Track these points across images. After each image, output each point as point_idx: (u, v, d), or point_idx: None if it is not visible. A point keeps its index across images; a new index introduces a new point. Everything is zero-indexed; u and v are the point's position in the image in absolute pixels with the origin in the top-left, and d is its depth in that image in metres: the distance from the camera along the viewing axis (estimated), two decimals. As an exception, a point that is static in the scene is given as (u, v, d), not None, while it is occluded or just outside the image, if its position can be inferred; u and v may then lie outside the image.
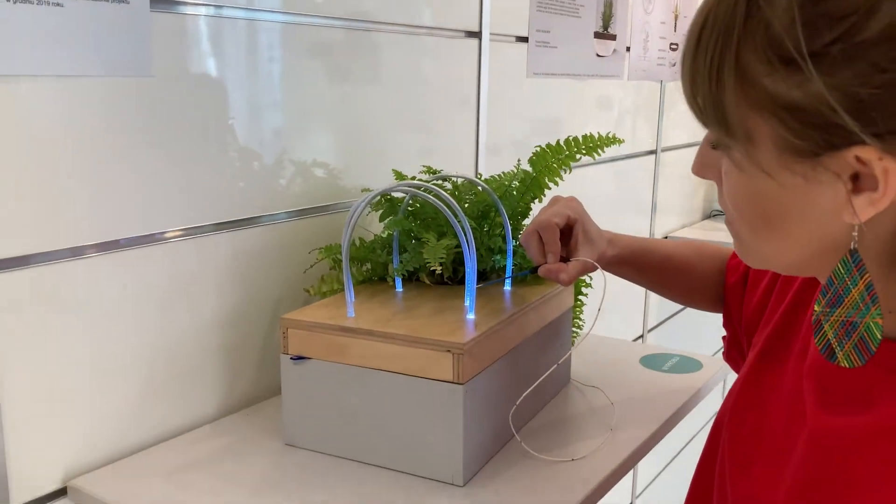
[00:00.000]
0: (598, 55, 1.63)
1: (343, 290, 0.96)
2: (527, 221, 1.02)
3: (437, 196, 0.84)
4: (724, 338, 0.95)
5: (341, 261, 0.95)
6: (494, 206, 0.96)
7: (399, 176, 1.04)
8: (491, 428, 0.83)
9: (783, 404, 0.66)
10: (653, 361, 1.13)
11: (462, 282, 0.96)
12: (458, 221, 0.82)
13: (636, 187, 1.93)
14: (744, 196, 0.55)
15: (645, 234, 2.00)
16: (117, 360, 0.84)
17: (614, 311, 1.84)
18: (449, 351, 0.76)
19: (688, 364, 1.12)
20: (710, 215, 2.44)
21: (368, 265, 0.99)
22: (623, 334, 1.98)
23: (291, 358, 0.84)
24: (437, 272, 0.89)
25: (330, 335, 0.81)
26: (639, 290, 2.03)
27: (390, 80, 1.13)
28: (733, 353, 0.91)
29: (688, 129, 2.16)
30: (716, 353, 3.01)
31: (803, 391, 0.63)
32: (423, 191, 0.85)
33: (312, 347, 0.83)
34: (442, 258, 0.85)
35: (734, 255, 0.92)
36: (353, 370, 0.81)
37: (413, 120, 1.19)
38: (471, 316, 0.83)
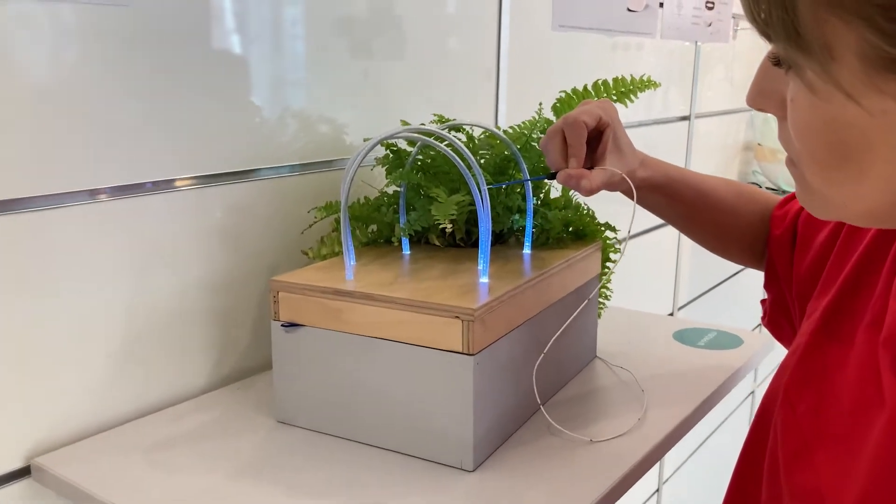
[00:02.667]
0: (629, 9, 1.52)
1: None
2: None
3: (448, 144, 0.74)
4: (763, 301, 0.84)
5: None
6: (514, 159, 0.86)
7: (405, 125, 0.94)
8: (506, 406, 0.73)
9: (851, 382, 0.56)
10: (687, 336, 1.03)
11: (476, 244, 0.87)
12: (472, 175, 0.72)
13: (667, 156, 1.81)
14: (816, 126, 0.44)
15: (676, 205, 1.89)
16: (91, 324, 0.76)
17: (641, 287, 1.73)
18: (457, 317, 0.66)
19: (726, 340, 1.01)
20: (744, 189, 2.32)
21: (374, 226, 0.90)
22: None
23: (282, 325, 0.75)
24: (447, 232, 0.79)
25: (325, 299, 0.72)
26: (668, 265, 1.92)
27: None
28: (778, 318, 0.81)
29: (725, 95, 2.04)
30: (755, 327, 2.90)
31: (879, 367, 0.53)
32: (434, 138, 0.75)
33: (306, 313, 0.73)
34: (453, 215, 0.75)
35: (781, 204, 0.81)
36: (351, 339, 0.71)
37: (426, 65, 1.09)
38: (484, 279, 0.73)
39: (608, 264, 0.94)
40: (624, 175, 0.75)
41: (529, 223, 0.84)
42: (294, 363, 0.75)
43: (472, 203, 0.80)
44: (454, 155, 0.72)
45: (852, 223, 0.53)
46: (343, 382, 0.73)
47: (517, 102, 1.26)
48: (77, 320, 0.74)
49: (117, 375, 0.79)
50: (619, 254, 0.93)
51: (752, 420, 0.69)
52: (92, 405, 0.77)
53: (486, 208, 0.72)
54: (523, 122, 0.88)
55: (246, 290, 0.90)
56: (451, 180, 0.85)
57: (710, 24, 1.86)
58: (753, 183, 2.30)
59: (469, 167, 0.72)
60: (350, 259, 0.76)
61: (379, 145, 0.76)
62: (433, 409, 0.69)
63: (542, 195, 0.91)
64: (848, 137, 0.43)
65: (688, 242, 1.95)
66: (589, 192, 0.74)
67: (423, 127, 0.77)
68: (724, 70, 2.06)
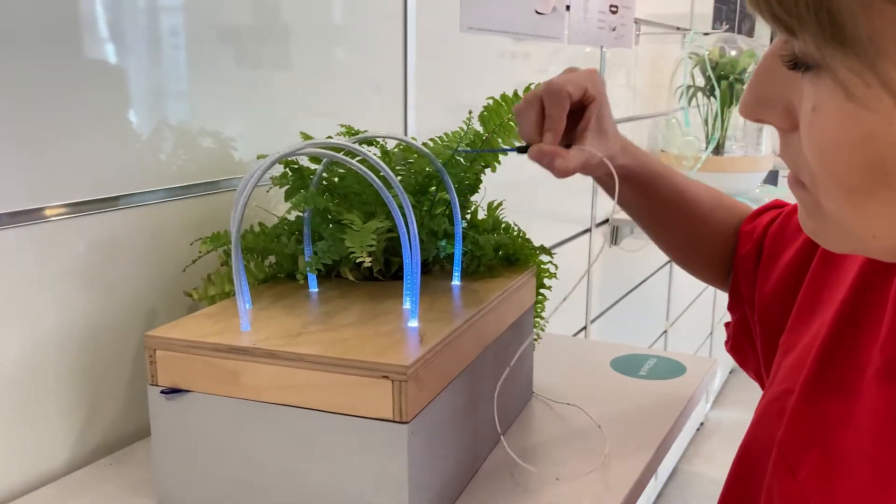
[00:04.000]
0: (537, 12, 1.43)
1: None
2: (477, 198, 0.80)
3: (362, 160, 0.61)
4: (727, 325, 0.76)
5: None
6: (437, 176, 0.74)
7: (307, 139, 0.80)
8: (445, 474, 0.61)
9: (865, 443, 0.47)
10: (626, 365, 0.93)
11: (397, 276, 0.74)
12: (394, 195, 0.60)
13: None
14: (848, 141, 0.34)
15: (586, 219, 1.82)
16: None
17: (553, 301, 1.64)
18: (386, 377, 0.53)
19: (668, 367, 0.93)
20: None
21: (272, 258, 0.76)
22: (566, 326, 1.79)
23: (163, 391, 0.60)
24: (364, 265, 0.66)
25: (216, 359, 0.58)
26: (577, 277, 1.85)
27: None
28: (742, 343, 0.72)
29: (627, 102, 1.99)
30: (697, 350, 2.87)
31: None
32: (344, 154, 0.62)
33: (192, 376, 0.59)
34: (372, 246, 0.62)
35: (750, 218, 0.73)
36: (251, 406, 0.57)
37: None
38: (413, 323, 0.61)
39: (542, 290, 0.83)
40: (605, 159, 0.64)
41: (459, 249, 0.72)
42: (179, 437, 0.60)
43: (393, 229, 0.67)
44: (370, 173, 0.60)
45: (872, 257, 0.44)
46: (242, 460, 0.59)
47: (427, 110, 1.14)
48: None
49: (-54, 464, 0.62)
50: (553, 279, 0.83)
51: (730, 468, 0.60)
52: (-89, 507, 0.60)
53: (413, 236, 0.60)
54: (447, 134, 0.76)
55: (117, 342, 0.74)
56: (364, 202, 0.72)
57: (614, 29, 1.80)
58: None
59: (388, 186, 0.60)
60: (245, 302, 0.62)
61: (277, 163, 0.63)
62: (358, 490, 0.56)
63: (468, 216, 0.80)
64: (886, 152, 0.33)
65: (598, 252, 1.89)
66: (563, 174, 0.63)
67: (330, 141, 0.63)
68: (626, 76, 2.01)
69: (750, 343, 0.71)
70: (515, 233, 0.81)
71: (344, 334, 0.59)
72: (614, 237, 1.97)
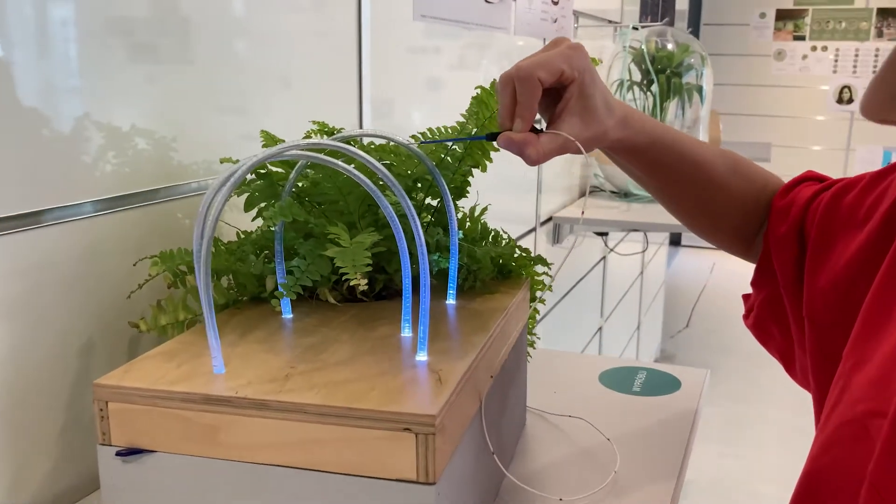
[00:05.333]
0: (486, 1, 1.35)
1: (195, 318, 0.61)
2: (464, 203, 0.71)
3: (360, 166, 0.51)
4: (747, 296, 0.70)
5: (186, 276, 0.61)
6: (422, 179, 0.65)
7: (270, 140, 0.69)
8: (461, 532, 0.52)
9: None
10: (616, 379, 0.86)
11: (383, 296, 0.64)
12: (392, 203, 0.50)
13: (506, 162, 1.67)
14: None
15: (531, 218, 1.75)
16: None
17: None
18: (409, 429, 0.44)
19: (661, 381, 0.86)
20: (587, 193, 2.24)
21: (229, 278, 0.65)
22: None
23: (119, 452, 0.48)
24: (359, 288, 0.56)
25: (189, 411, 0.47)
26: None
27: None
28: (767, 322, 0.68)
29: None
30: (626, 345, 2.80)
31: None
32: (326, 154, 0.52)
33: (158, 433, 0.48)
34: (368, 266, 0.53)
35: (783, 192, 0.67)
36: (235, 469, 0.47)
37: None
38: (421, 357, 0.51)
39: (533, 304, 0.75)
40: (578, 144, 0.57)
41: (454, 264, 0.62)
42: (138, 506, 0.49)
43: (382, 242, 0.58)
44: (365, 179, 0.50)
45: None
46: (222, 532, 0.48)
47: (383, 102, 1.04)
48: None
49: None
50: (549, 291, 0.75)
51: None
52: None
53: (422, 252, 0.50)
54: (430, 129, 0.67)
55: (46, 385, 0.61)
56: (343, 212, 0.62)
57: (555, 21, 1.74)
58: (595, 187, 2.23)
59: (383, 190, 0.50)
60: (216, 337, 0.51)
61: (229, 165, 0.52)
62: (370, 563, 0.46)
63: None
64: None
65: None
66: (534, 163, 0.57)
67: (315, 141, 0.53)
68: (562, 70, 1.95)
69: (779, 324, 0.66)
70: (506, 241, 0.72)
71: (341, 374, 0.49)
72: (556, 236, 1.92)
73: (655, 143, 0.64)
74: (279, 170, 0.65)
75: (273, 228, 0.60)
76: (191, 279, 0.64)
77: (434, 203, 0.68)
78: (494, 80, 0.65)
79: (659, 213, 1.68)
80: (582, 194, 2.23)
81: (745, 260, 0.72)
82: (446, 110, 0.88)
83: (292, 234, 0.61)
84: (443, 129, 0.66)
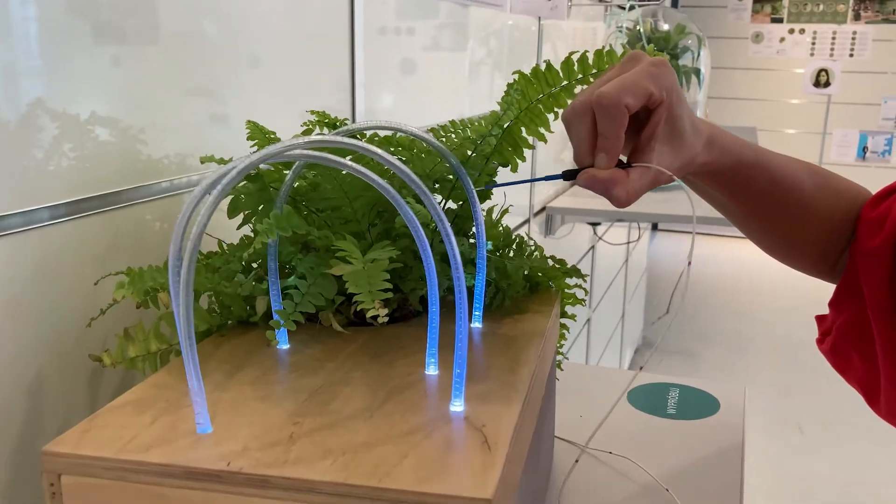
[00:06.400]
0: (482, -26, 1.24)
1: (170, 348, 0.50)
2: (490, 204, 0.61)
3: (373, 166, 0.41)
4: (821, 318, 0.61)
5: (158, 294, 0.50)
6: (441, 179, 0.54)
7: (258, 132, 0.58)
8: None
9: None
10: (648, 401, 0.77)
11: (396, 318, 0.54)
12: (418, 208, 0.40)
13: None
14: None
15: (525, 209, 1.66)
16: None
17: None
18: (458, 516, 0.34)
19: (696, 400, 0.77)
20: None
21: (211, 299, 0.54)
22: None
23: (75, 538, 0.38)
24: (380, 319, 0.45)
25: (167, 488, 0.36)
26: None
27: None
28: (846, 347, 0.59)
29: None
30: (611, 333, 2.74)
31: None
32: (341, 155, 0.42)
33: (124, 514, 0.37)
34: (388, 290, 0.42)
35: (875, 201, 0.58)
36: (226, 562, 0.36)
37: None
38: (457, 406, 0.41)
39: (564, 320, 0.65)
40: (671, 174, 0.48)
41: (481, 281, 0.52)
42: None
43: (399, 258, 0.48)
44: (385, 185, 0.39)
45: None
46: None
47: (377, 88, 0.94)
48: None
49: None
50: (581, 304, 0.65)
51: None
52: None
53: (457, 273, 0.40)
54: (453, 122, 0.56)
55: (-12, 434, 0.50)
56: (349, 220, 0.51)
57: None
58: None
59: (406, 196, 0.40)
60: (199, 383, 0.40)
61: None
62: None
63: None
64: None
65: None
66: (624, 204, 0.47)
67: (319, 139, 0.42)
68: (551, 50, 1.86)
69: (861, 353, 0.57)
70: (532, 249, 0.62)
71: (360, 433, 0.39)
72: (549, 227, 1.83)
73: (741, 164, 0.56)
74: (269, 167, 0.54)
75: (265, 242, 0.49)
76: (164, 297, 0.54)
77: (454, 206, 0.58)
78: (548, 61, 0.55)
79: (647, 202, 1.59)
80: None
81: (826, 281, 0.63)
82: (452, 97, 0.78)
83: (290, 249, 0.50)
84: (466, 122, 0.55)
